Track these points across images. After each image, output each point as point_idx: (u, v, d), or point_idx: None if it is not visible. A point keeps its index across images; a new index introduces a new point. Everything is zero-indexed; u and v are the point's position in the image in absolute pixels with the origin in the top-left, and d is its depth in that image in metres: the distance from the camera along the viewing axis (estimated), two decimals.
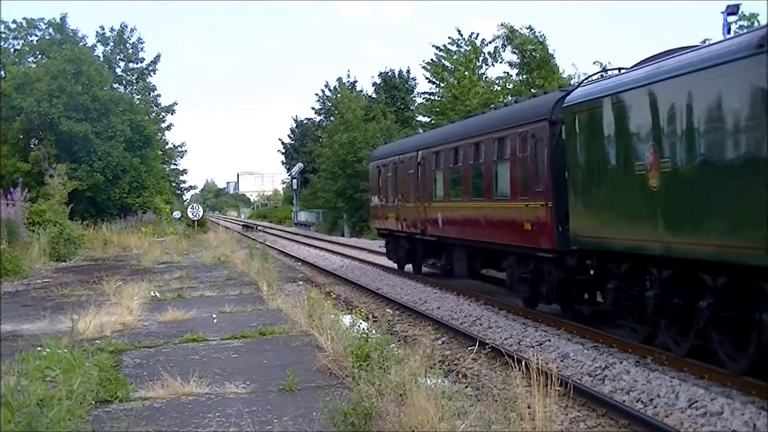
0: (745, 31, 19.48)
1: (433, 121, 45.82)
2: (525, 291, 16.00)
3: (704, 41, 17.66)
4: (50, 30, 49.05)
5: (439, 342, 14.03)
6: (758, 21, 26.35)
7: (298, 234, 61.58)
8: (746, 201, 8.98)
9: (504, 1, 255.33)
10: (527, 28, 38.79)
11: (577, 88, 14.18)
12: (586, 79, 16.16)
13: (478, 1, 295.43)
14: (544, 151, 14.47)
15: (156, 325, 12.67)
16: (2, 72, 45.27)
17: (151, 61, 51.96)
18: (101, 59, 48.54)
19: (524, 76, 39.20)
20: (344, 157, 56.12)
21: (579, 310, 14.60)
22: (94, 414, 7.20)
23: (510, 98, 40.05)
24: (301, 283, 22.97)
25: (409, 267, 25.41)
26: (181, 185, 58.52)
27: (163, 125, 52.40)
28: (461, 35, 44.83)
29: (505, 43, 39.22)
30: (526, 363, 7.38)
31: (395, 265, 26.57)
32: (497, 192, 16.86)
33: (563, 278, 14.31)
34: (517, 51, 39.01)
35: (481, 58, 44.29)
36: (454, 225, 19.92)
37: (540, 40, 38.42)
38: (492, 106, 21.55)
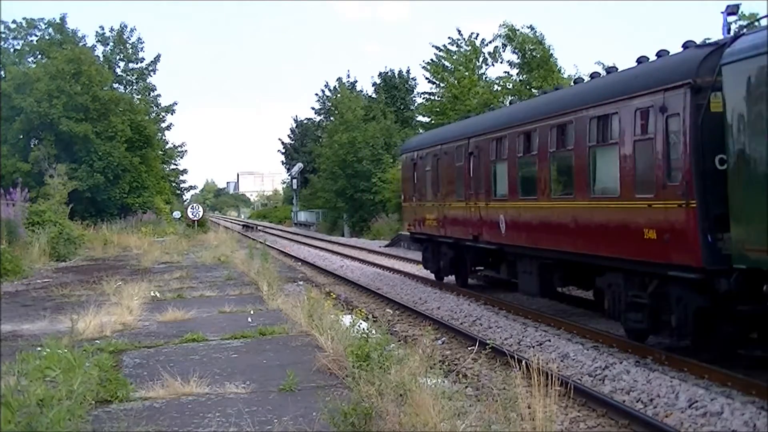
0: None
1: (433, 121, 45.82)
2: (637, 321, 11.90)
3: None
4: (50, 30, 49.13)
5: (439, 342, 14.03)
6: (758, 22, 26.34)
7: (298, 234, 61.58)
8: None
9: (504, 1, 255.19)
10: (528, 27, 38.85)
11: (738, 38, 10.18)
12: (750, 24, 12.25)
13: (477, 1, 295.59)
14: (682, 130, 10.46)
15: (156, 325, 12.67)
16: (2, 72, 45.29)
17: (151, 61, 52.03)
18: (101, 59, 48.56)
19: (524, 76, 39.21)
20: (344, 157, 56.14)
21: (742, 356, 10.63)
22: (94, 414, 7.20)
23: (510, 98, 40.22)
24: (301, 283, 22.97)
25: (450, 278, 21.52)
26: (181, 185, 58.55)
27: (163, 125, 52.45)
28: (461, 35, 44.89)
29: (506, 42, 39.26)
30: (526, 363, 7.38)
31: (431, 276, 22.74)
32: (596, 188, 12.83)
33: (703, 307, 10.55)
34: (517, 51, 39.04)
35: (481, 58, 44.32)
36: (523, 230, 15.84)
37: (540, 39, 38.44)
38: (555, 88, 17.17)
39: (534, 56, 38.37)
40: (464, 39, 44.74)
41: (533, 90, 37.84)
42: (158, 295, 16.44)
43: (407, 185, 24.50)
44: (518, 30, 38.49)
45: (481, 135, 18.10)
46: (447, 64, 44.90)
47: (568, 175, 13.89)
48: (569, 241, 13.70)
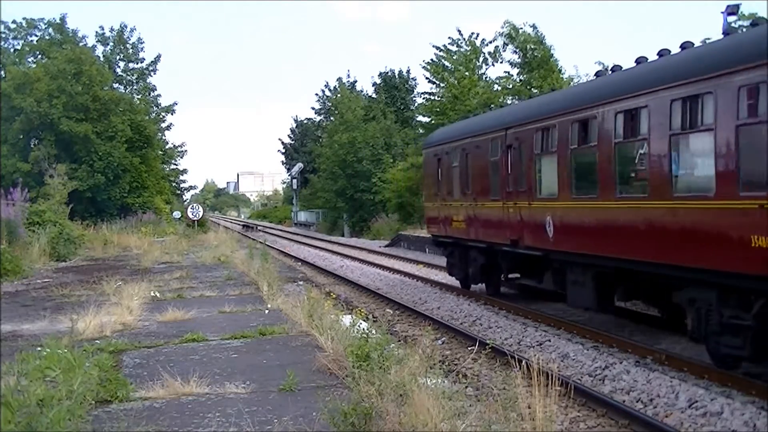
0: None
1: (433, 121, 45.84)
2: (735, 346, 9.88)
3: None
4: (50, 30, 49.16)
5: (439, 342, 14.03)
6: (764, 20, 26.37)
7: (298, 234, 61.58)
8: None
9: (503, 1, 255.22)
10: (531, 26, 38.90)
11: None
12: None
13: (477, 1, 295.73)
14: None
15: (156, 325, 12.67)
16: (2, 72, 45.29)
17: (152, 61, 52.05)
18: (101, 59, 48.57)
19: (524, 76, 39.26)
20: (344, 157, 56.18)
21: None
22: (94, 414, 7.20)
23: (510, 98, 40.28)
24: (301, 283, 22.96)
25: (479, 286, 19.51)
26: (181, 185, 58.54)
27: (163, 125, 52.45)
28: (461, 35, 44.91)
29: (507, 42, 39.31)
30: (527, 363, 7.38)
31: (457, 283, 20.67)
32: (679, 185, 10.71)
33: None
34: (518, 50, 39.09)
35: (481, 59, 44.35)
36: (576, 234, 13.55)
37: (541, 39, 38.49)
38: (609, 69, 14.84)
39: (535, 56, 38.42)
40: (464, 39, 44.79)
41: (533, 90, 37.92)
42: (158, 295, 16.43)
43: (430, 183, 22.26)
44: (521, 29, 38.58)
45: (523, 125, 15.69)
46: (447, 64, 44.93)
47: (640, 170, 11.67)
48: (639, 249, 11.47)
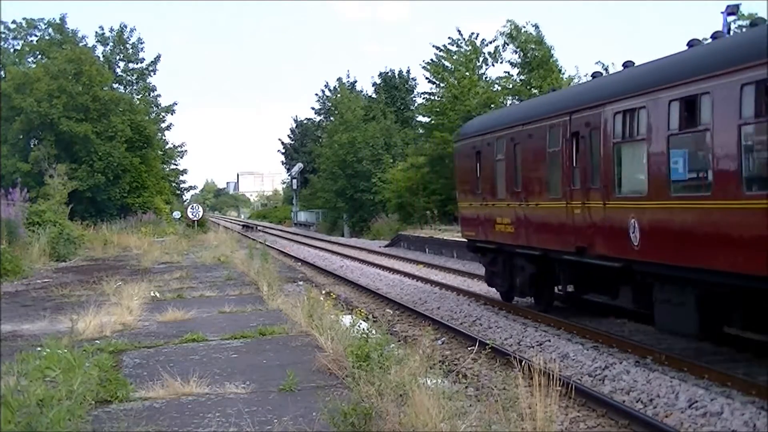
0: None
1: (432, 121, 45.86)
2: None
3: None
4: (50, 30, 49.16)
5: (439, 342, 14.03)
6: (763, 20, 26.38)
7: (298, 234, 61.59)
8: None
9: (503, 1, 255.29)
10: (533, 26, 38.92)
11: None
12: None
13: (477, 1, 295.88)
14: None
15: (156, 325, 12.67)
16: (2, 72, 45.30)
17: (151, 62, 52.04)
18: (101, 59, 48.58)
19: (524, 76, 39.28)
20: (344, 157, 56.21)
21: None
22: (94, 414, 7.20)
23: (510, 98, 40.33)
24: (301, 283, 22.96)
25: (522, 299, 17.11)
26: (181, 185, 58.55)
27: (163, 125, 52.45)
28: (461, 35, 44.93)
29: (507, 41, 39.34)
30: (527, 363, 7.38)
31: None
32: None
33: None
34: (519, 50, 39.13)
35: (481, 59, 44.37)
36: (674, 241, 10.75)
37: (542, 39, 38.54)
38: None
39: (535, 56, 38.45)
40: (464, 39, 44.80)
41: (533, 90, 37.98)
42: (158, 295, 16.44)
43: (466, 180, 19.33)
44: (523, 28, 38.62)
45: (595, 107, 12.80)
46: (447, 64, 44.94)
47: None
48: None
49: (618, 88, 12.60)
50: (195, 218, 43.28)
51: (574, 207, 13.57)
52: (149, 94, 52.45)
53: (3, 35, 48.13)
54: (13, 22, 49.50)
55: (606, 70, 33.86)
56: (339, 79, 72.42)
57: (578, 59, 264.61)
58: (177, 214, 48.98)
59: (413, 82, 65.27)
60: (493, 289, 18.30)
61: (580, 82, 16.71)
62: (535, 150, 15.24)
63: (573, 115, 13.62)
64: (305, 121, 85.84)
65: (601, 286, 13.99)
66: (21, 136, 42.61)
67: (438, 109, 44.63)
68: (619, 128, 12.16)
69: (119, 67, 51.16)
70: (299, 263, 32.94)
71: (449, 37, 45.08)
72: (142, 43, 51.30)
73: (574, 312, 15.59)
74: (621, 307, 14.27)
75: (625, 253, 11.86)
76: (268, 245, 39.05)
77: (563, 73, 38.92)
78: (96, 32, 51.23)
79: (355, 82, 71.98)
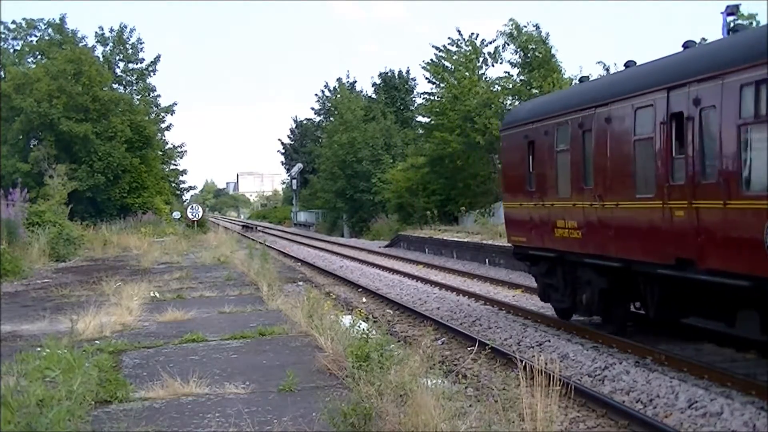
0: None
1: (432, 121, 45.87)
2: None
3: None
4: (50, 30, 49.16)
5: (439, 342, 14.03)
6: (757, 21, 26.40)
7: (297, 234, 61.60)
8: None
9: (501, 1, 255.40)
10: (534, 26, 38.91)
11: None
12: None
13: (474, 1, 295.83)
14: None
15: (156, 326, 12.67)
16: (2, 72, 45.31)
17: (151, 62, 51.99)
18: (101, 60, 48.58)
19: (524, 76, 39.27)
20: (344, 158, 56.23)
21: None
22: (94, 414, 7.19)
23: (510, 98, 40.32)
24: (300, 283, 22.96)
25: (583, 317, 14.51)
26: (181, 185, 58.52)
27: (163, 125, 52.43)
28: (461, 35, 44.92)
29: (508, 41, 39.33)
30: (527, 364, 7.38)
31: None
32: None
33: None
34: (519, 49, 39.12)
35: (481, 59, 44.36)
36: None
37: (544, 39, 38.53)
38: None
39: (536, 56, 38.44)
40: (464, 39, 44.80)
41: (533, 90, 37.99)
42: (158, 295, 16.43)
43: (515, 175, 16.45)
44: (524, 28, 38.60)
45: (710, 78, 10.01)
46: (447, 64, 44.94)
47: None
48: None
49: (734, 54, 9.80)
50: (195, 218, 43.27)
51: (674, 208, 10.76)
52: (149, 95, 52.43)
53: (3, 35, 48.19)
54: (13, 22, 49.55)
55: (607, 70, 33.96)
56: (339, 80, 72.53)
57: (578, 59, 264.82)
58: (177, 215, 48.96)
59: (413, 83, 65.36)
60: (543, 302, 15.86)
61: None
62: (616, 137, 12.33)
63: (673, 91, 10.82)
64: (305, 122, 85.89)
65: (711, 308, 11.17)
66: (21, 137, 42.60)
67: (438, 110, 44.62)
68: (749, 103, 9.22)
69: (119, 67, 51.14)
70: (299, 263, 32.94)
71: (449, 38, 45.12)
72: (141, 44, 51.29)
73: (656, 335, 12.79)
74: (748, 337, 10.69)
75: (757, 269, 9.17)
76: (267, 245, 39.02)
77: (563, 73, 38.92)
78: (96, 32, 51.28)
79: (355, 82, 72.08)
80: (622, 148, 12.19)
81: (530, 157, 15.40)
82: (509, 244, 17.63)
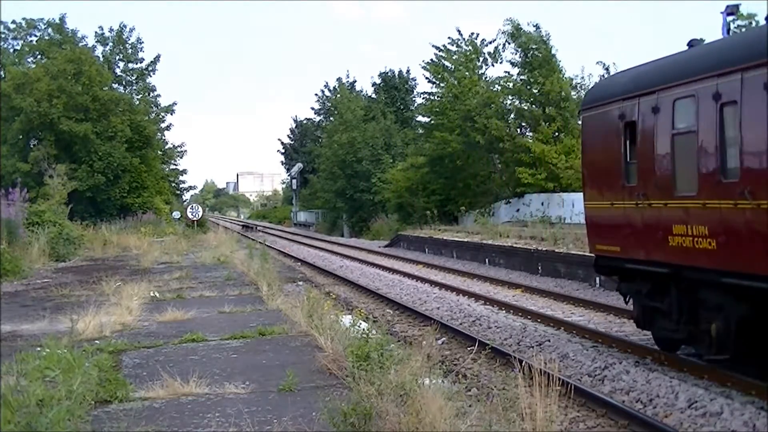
0: None
1: (432, 121, 45.88)
2: None
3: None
4: (50, 30, 49.13)
5: (439, 342, 14.02)
6: (756, 21, 26.42)
7: (297, 234, 61.60)
8: None
9: (501, 1, 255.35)
10: (533, 26, 38.93)
11: None
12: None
13: (473, 1, 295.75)
14: None
15: (155, 326, 12.66)
16: (2, 72, 45.31)
17: (151, 62, 51.95)
18: (101, 59, 48.57)
19: (525, 76, 39.29)
20: (344, 158, 56.24)
21: None
22: (94, 414, 7.19)
23: (510, 98, 40.35)
24: (300, 283, 22.96)
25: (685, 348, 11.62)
26: (181, 185, 58.51)
27: (163, 125, 52.40)
28: (461, 35, 44.94)
29: (509, 41, 39.36)
30: (527, 364, 7.39)
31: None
32: None
33: None
34: (519, 49, 39.14)
35: (481, 59, 44.39)
36: None
37: (544, 39, 38.54)
38: None
39: (536, 55, 38.46)
40: (464, 39, 44.82)
41: (534, 90, 38.03)
42: (158, 295, 16.43)
43: (604, 166, 12.59)
44: (523, 28, 38.63)
45: None
46: (447, 64, 44.96)
47: None
48: None
49: None
50: (195, 218, 43.29)
51: None
52: (149, 94, 52.41)
53: (3, 35, 48.18)
54: (13, 22, 49.49)
55: (607, 70, 34.02)
56: (339, 80, 72.58)
57: (578, 60, 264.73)
58: (177, 215, 48.97)
59: (413, 82, 65.38)
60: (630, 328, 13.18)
61: None
62: None
63: None
64: (305, 122, 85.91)
65: None
66: (21, 136, 42.57)
67: (438, 109, 44.66)
68: None
69: (119, 67, 51.12)
70: (299, 263, 32.95)
71: (449, 37, 45.17)
72: (141, 43, 51.25)
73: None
74: None
75: None
76: (267, 245, 39.03)
77: (563, 73, 38.94)
78: (95, 32, 51.23)
79: (355, 82, 72.13)
80: None
81: (627, 142, 11.83)
82: (578, 252, 14.03)
